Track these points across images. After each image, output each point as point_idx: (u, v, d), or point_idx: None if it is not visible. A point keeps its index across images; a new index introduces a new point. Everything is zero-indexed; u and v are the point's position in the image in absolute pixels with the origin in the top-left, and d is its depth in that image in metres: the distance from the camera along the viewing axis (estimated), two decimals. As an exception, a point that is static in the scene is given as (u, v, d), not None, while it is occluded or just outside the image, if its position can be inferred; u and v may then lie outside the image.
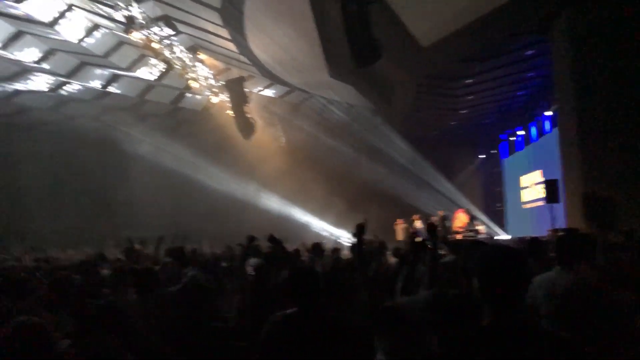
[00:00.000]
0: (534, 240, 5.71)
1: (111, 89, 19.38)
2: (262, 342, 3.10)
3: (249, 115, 18.16)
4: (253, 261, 7.77)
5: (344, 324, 3.18)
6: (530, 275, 2.15)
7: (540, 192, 17.00)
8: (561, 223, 11.53)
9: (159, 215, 19.11)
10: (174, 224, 18.02)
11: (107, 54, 17.09)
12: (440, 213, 18.62)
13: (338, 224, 22.15)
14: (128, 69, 18.24)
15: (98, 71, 18.34)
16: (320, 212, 22.24)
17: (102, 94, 19.58)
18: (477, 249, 2.50)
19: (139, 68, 18.47)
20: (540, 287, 3.97)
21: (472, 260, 2.39)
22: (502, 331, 1.90)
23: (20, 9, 14.20)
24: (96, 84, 18.88)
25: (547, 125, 18.09)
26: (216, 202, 20.59)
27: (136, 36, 14.68)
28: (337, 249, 8.70)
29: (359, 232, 4.47)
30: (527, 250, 5.51)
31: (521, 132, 21.45)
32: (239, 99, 17.84)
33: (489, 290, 1.96)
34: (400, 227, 19.58)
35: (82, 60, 17.32)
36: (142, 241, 7.11)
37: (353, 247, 7.48)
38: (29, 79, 17.80)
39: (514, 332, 1.89)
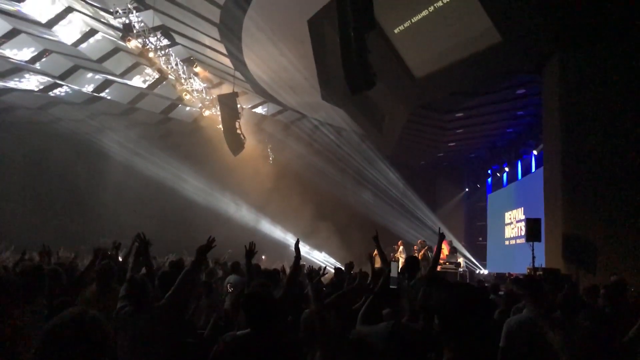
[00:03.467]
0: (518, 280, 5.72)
1: (102, 94, 19.33)
2: None
3: (239, 131, 18.16)
4: (232, 278, 7.72)
5: (295, 346, 3.24)
6: (491, 315, 2.18)
7: (522, 229, 17.09)
8: (541, 262, 11.60)
9: (138, 222, 18.92)
10: (153, 233, 17.86)
11: (101, 59, 17.09)
12: (420, 242, 18.43)
13: (320, 246, 22.12)
14: (121, 75, 18.23)
15: (90, 75, 18.30)
16: (302, 233, 22.18)
17: (93, 98, 19.52)
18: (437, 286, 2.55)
19: (133, 76, 18.47)
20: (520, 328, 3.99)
21: (432, 298, 2.39)
22: None
23: (20, 7, 14.20)
24: (88, 88, 18.83)
25: (533, 163, 18.26)
26: (198, 214, 20.46)
27: (132, 44, 14.69)
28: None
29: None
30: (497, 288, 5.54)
31: (507, 169, 21.62)
32: (231, 114, 17.85)
33: (451, 328, 1.99)
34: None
35: (75, 63, 17.29)
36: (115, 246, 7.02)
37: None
38: (21, 77, 17.70)
39: None
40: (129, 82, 18.80)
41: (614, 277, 7.77)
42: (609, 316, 4.49)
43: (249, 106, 21.41)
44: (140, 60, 16.88)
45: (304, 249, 22.02)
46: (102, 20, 15.37)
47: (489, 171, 23.80)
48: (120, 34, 14.88)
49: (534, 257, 10.91)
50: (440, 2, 11.95)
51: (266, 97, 20.24)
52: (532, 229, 11.51)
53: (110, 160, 20.77)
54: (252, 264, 5.77)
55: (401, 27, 12.89)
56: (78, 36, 15.98)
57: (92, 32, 16.09)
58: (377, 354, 3.37)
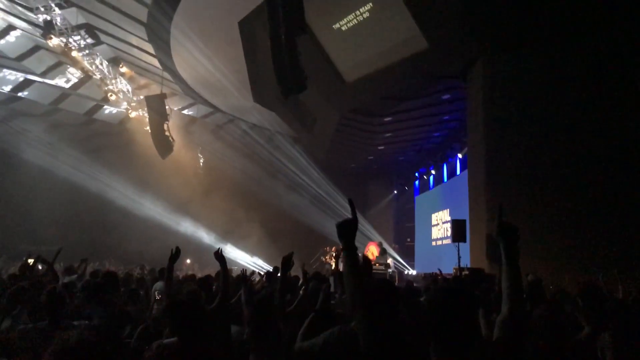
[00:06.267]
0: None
1: (21, 94, 18.38)
2: None
3: (167, 134, 17.70)
4: (158, 285, 7.48)
5: (221, 357, 3.20)
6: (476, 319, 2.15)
7: (448, 230, 17.62)
8: (467, 262, 11.98)
9: (61, 229, 18.12)
10: (77, 240, 17.25)
11: (20, 57, 16.28)
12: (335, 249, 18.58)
13: (250, 250, 21.95)
14: (43, 75, 17.43)
15: (8, 74, 17.38)
16: (233, 237, 21.93)
17: (12, 98, 18.52)
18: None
19: (55, 75, 17.70)
20: None
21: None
22: None
23: None
24: (5, 87, 17.86)
25: (458, 166, 18.87)
26: (125, 219, 19.81)
27: (54, 42, 14.05)
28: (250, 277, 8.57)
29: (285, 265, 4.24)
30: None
31: (434, 172, 22.24)
32: (159, 115, 17.39)
33: (441, 331, 1.95)
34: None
35: (-8, 61, 16.40)
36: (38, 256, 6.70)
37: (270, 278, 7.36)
38: None
39: None
40: (50, 82, 17.98)
41: (530, 277, 8.12)
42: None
43: (178, 108, 20.98)
44: (63, 59, 16.19)
45: (233, 254, 21.79)
46: (21, 16, 14.64)
47: (417, 174, 24.42)
48: (41, 32, 14.24)
49: (459, 257, 11.25)
50: (368, 9, 12.20)
51: (196, 99, 19.90)
52: (458, 230, 11.86)
53: (30, 164, 19.66)
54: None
55: (336, 27, 13.02)
56: (-5, 32, 15.18)
57: (9, 28, 15.31)
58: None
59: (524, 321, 2.24)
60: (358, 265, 2.32)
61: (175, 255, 4.82)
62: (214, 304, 4.45)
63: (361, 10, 12.37)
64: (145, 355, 3.04)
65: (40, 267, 7.62)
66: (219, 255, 4.76)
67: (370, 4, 12.14)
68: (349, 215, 2.36)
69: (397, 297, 2.60)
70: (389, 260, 18.59)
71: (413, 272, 22.10)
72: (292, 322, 4.24)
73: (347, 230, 2.30)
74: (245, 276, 5.65)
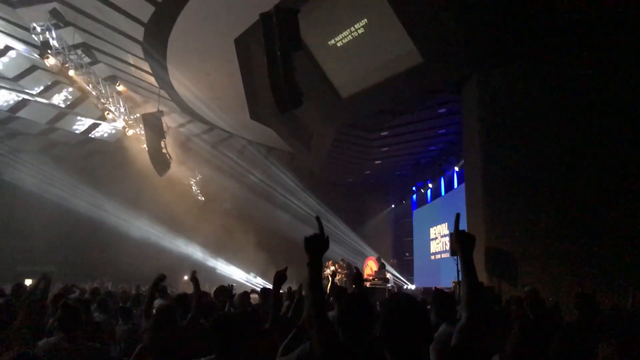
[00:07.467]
0: (438, 292, 5.87)
1: (19, 113, 18.40)
2: None
3: (164, 151, 17.67)
4: (157, 302, 7.44)
5: None
6: (432, 327, 2.20)
7: (447, 244, 17.59)
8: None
9: (57, 250, 18.09)
10: (73, 260, 17.25)
11: (17, 77, 16.34)
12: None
13: (247, 267, 21.89)
14: (39, 94, 17.48)
15: (5, 94, 17.43)
16: (228, 253, 21.88)
17: (8, 118, 18.55)
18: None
19: (52, 94, 17.75)
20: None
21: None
22: None
23: None
24: (2, 107, 17.89)
25: (455, 180, 18.90)
26: (119, 238, 19.74)
27: (51, 62, 14.08)
28: (246, 293, 8.56)
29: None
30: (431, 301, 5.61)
31: (431, 185, 22.24)
32: (156, 133, 17.37)
33: (393, 340, 1.95)
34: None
35: (-12, 81, 16.46)
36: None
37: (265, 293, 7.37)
38: None
39: None
40: (47, 101, 18.02)
41: (527, 288, 8.10)
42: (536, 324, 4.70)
43: (175, 125, 21.03)
44: (59, 78, 16.25)
45: (228, 269, 21.74)
46: (17, 36, 14.72)
47: (414, 188, 24.42)
48: (38, 51, 14.30)
49: (458, 271, 11.23)
50: (362, 25, 12.30)
51: (193, 116, 19.97)
52: (456, 243, 11.84)
53: (24, 184, 19.56)
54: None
55: (331, 43, 13.11)
56: (-9, 53, 15.25)
57: (6, 48, 15.39)
58: None
59: (480, 329, 2.27)
60: (319, 282, 2.40)
61: (160, 279, 4.93)
62: (186, 320, 4.50)
63: (356, 26, 12.46)
64: None
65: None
66: (194, 278, 5.03)
67: (365, 20, 12.24)
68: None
69: (370, 313, 2.60)
70: (388, 275, 18.55)
71: (412, 286, 22.02)
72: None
73: (316, 246, 2.40)
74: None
